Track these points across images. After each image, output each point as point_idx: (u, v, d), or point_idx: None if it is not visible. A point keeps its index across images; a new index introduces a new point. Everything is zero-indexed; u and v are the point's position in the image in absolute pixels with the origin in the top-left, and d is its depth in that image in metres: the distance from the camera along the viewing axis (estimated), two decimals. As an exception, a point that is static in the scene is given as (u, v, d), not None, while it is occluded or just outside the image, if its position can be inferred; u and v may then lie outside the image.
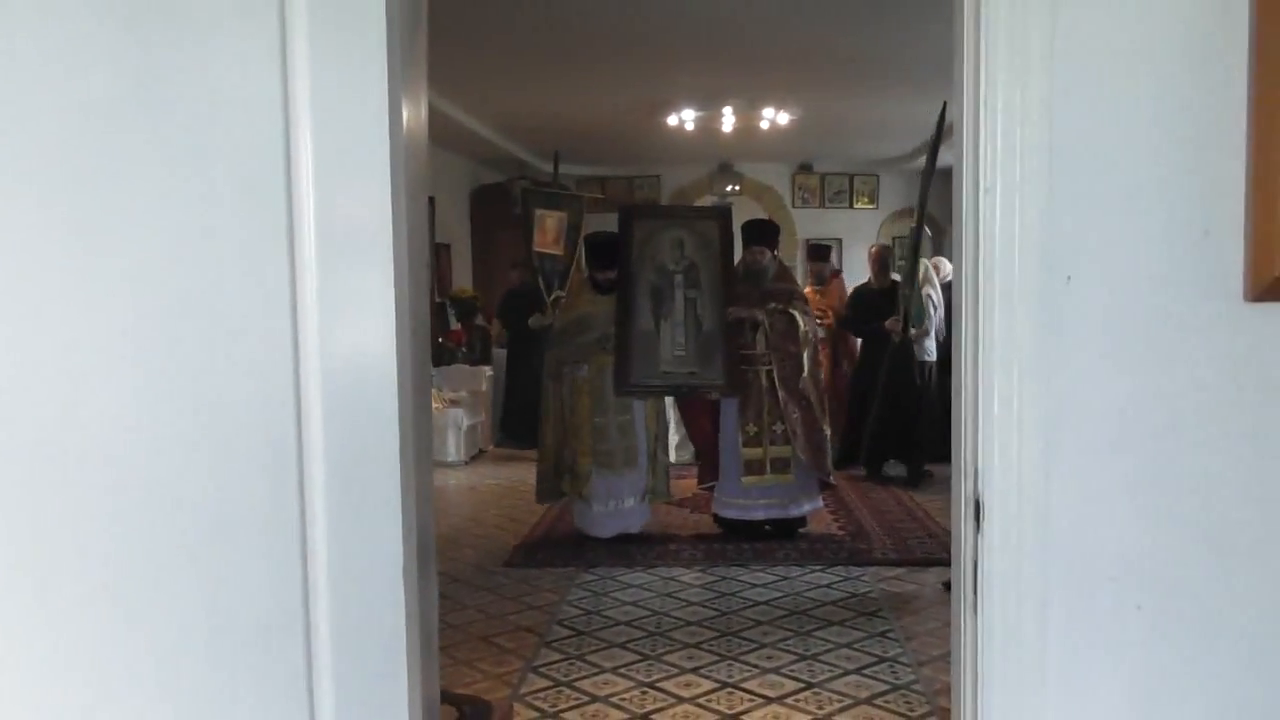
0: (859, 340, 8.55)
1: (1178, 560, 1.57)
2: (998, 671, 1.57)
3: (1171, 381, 1.56)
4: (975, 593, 1.58)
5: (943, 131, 6.41)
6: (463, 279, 11.29)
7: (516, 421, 9.75)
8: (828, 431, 6.22)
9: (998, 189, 1.51)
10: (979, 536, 1.58)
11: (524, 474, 8.56)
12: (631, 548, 5.98)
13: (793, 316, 6.01)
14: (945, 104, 5.69)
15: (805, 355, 5.98)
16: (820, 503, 6.37)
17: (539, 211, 8.51)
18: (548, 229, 8.45)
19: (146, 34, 1.12)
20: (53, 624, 1.10)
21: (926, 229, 11.85)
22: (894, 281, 8.13)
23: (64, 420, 1.10)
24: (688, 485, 7.37)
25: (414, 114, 1.92)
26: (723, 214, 6.48)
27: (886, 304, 7.80)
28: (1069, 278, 1.53)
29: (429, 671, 2.13)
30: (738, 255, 6.28)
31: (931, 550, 5.91)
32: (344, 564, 1.28)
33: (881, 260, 8.49)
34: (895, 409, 7.62)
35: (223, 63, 1.18)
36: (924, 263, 8.90)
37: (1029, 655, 1.56)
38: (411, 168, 1.92)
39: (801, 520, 6.24)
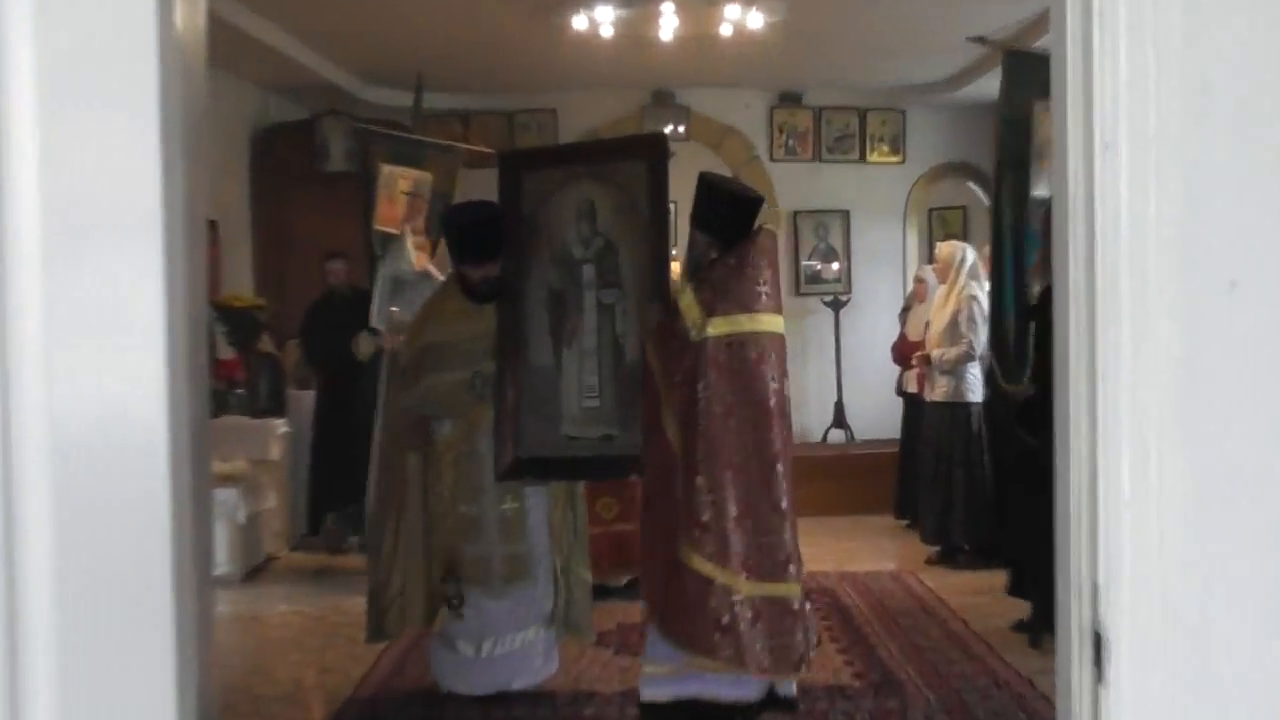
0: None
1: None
2: None
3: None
4: (1098, 782, 1.61)
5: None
6: (239, 278, 11.12)
7: (333, 506, 9.67)
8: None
9: (1122, 146, 1.56)
10: (1101, 688, 1.61)
11: (342, 593, 8.47)
12: (521, 715, 5.94)
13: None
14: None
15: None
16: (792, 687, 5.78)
17: (386, 169, 8.45)
18: (398, 197, 8.39)
19: None
20: None
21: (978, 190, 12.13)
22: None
23: None
24: (610, 609, 7.35)
25: (189, 18, 1.91)
26: (652, 146, 6.14)
27: None
28: (1233, 284, 1.58)
29: None
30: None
31: (1002, 708, 5.97)
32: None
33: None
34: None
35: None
36: (962, 247, 9.21)
37: None
38: (186, 103, 1.92)
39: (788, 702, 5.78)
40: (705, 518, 5.22)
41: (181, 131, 1.70)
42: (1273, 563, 1.60)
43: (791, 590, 5.32)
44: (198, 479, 1.82)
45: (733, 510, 5.24)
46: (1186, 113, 1.56)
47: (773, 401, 5.32)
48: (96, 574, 1.27)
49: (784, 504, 5.30)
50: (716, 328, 5.29)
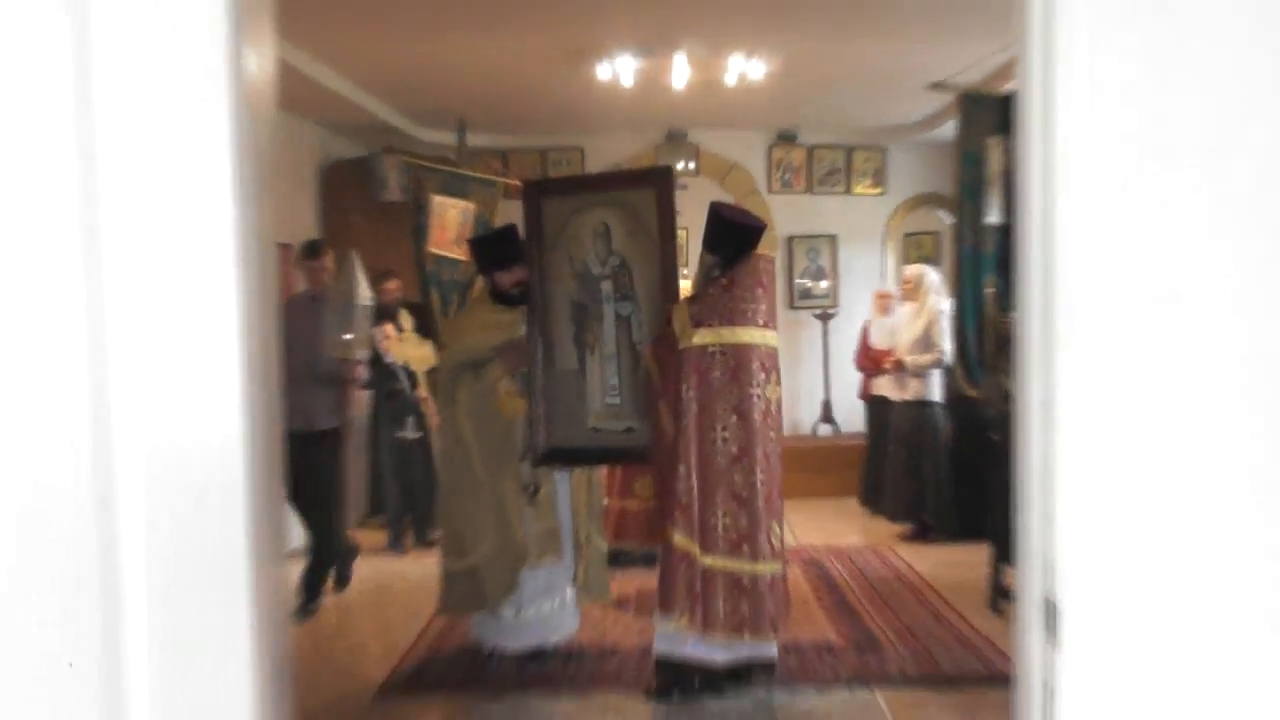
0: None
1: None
2: (1084, 841, 1.58)
3: (1309, 437, 1.59)
4: (1051, 731, 1.59)
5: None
6: (308, 293, 11.17)
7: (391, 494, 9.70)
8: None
9: (1079, 183, 1.54)
10: (1053, 653, 1.59)
11: (400, 567, 8.49)
12: (555, 667, 5.94)
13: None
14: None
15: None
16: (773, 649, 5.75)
17: (438, 199, 8.47)
18: (448, 223, 8.41)
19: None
20: None
21: (946, 217, 12.13)
22: None
23: None
24: (631, 581, 7.36)
25: (259, 69, 1.90)
26: (659, 178, 6.03)
27: None
28: (1177, 299, 1.56)
29: None
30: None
31: (964, 663, 5.96)
32: (176, 706, 1.25)
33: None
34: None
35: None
36: (926, 269, 9.36)
37: (1126, 817, 1.57)
38: (256, 144, 1.90)
39: (767, 664, 5.79)
40: (684, 500, 5.30)
41: (254, 175, 1.69)
42: (1201, 540, 1.58)
43: (747, 568, 5.34)
44: (270, 470, 1.81)
45: (701, 495, 5.33)
46: (1130, 152, 1.54)
47: (746, 404, 5.34)
48: (183, 549, 1.26)
49: (745, 494, 5.33)
50: (701, 338, 5.33)
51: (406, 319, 8.82)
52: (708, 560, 5.31)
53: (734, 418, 5.35)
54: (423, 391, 8.72)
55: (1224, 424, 1.57)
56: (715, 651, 5.46)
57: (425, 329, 8.72)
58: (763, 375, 5.43)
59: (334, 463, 7.46)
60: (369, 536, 9.07)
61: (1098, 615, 1.57)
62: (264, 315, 1.55)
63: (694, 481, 5.33)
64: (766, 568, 5.37)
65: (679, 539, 5.31)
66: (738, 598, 5.32)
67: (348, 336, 7.16)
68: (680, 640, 5.43)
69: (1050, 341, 1.57)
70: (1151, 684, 1.58)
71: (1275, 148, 1.55)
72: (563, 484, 6.03)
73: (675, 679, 5.53)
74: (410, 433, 8.97)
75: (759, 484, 5.36)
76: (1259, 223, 1.55)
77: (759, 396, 5.39)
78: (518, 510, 5.86)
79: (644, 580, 7.16)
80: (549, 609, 6.04)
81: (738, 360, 5.38)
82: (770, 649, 5.63)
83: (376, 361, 8.62)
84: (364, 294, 8.71)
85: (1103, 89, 1.54)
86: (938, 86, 8.48)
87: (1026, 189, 1.62)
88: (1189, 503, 1.57)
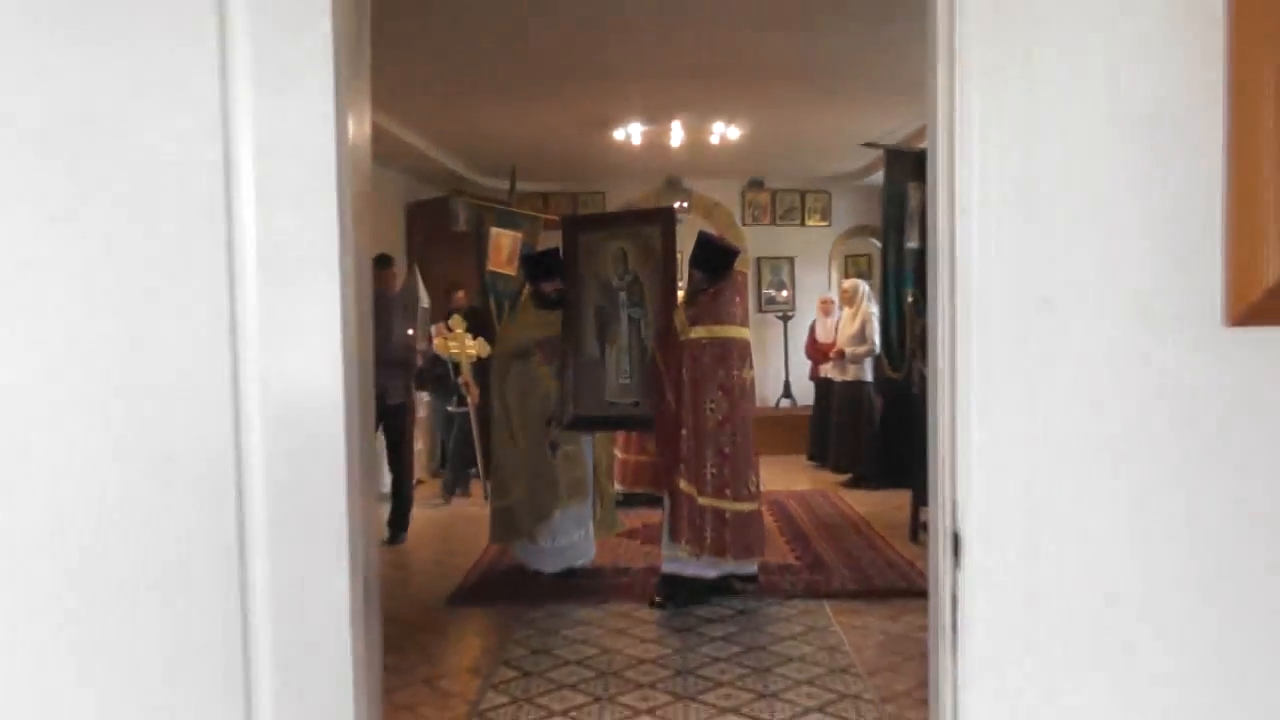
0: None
1: (1164, 597, 1.58)
2: (981, 713, 1.56)
3: (1152, 409, 1.57)
4: (954, 632, 1.58)
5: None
6: (397, 301, 11.19)
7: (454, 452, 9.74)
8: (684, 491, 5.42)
9: (974, 211, 1.52)
10: (958, 573, 1.58)
11: (464, 505, 8.49)
12: (581, 583, 5.94)
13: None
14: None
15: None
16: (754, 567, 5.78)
17: (495, 230, 8.50)
18: (502, 248, 8.44)
19: (80, 46, 1.09)
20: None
21: (875, 242, 12.11)
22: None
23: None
24: (638, 516, 7.36)
25: (358, 129, 1.89)
26: (664, 216, 6.16)
27: None
28: (1047, 302, 1.54)
29: (372, 717, 2.08)
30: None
31: (892, 581, 5.94)
32: (288, 605, 1.25)
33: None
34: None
35: (159, 76, 1.15)
36: (860, 283, 9.45)
37: (1013, 695, 1.56)
38: (355, 185, 1.89)
39: (750, 578, 5.80)
40: (686, 455, 5.36)
41: (352, 207, 1.68)
42: (1075, 492, 1.56)
43: (732, 506, 5.40)
44: (363, 427, 1.80)
45: (696, 451, 5.37)
46: (1016, 188, 1.53)
47: (729, 383, 5.43)
48: (295, 485, 1.26)
49: (729, 450, 5.40)
50: (696, 333, 5.43)
51: (459, 322, 8.81)
52: (703, 500, 5.35)
53: (719, 393, 5.42)
54: (465, 377, 8.70)
55: (1085, 392, 1.56)
56: (706, 569, 5.50)
57: (475, 328, 8.71)
58: (740, 361, 5.52)
59: (404, 428, 7.46)
60: (433, 486, 9.09)
61: (993, 545, 1.56)
62: (359, 309, 1.55)
63: (691, 441, 5.37)
64: (746, 506, 5.45)
65: (683, 484, 5.35)
66: (722, 528, 5.36)
67: (410, 331, 7.23)
68: (685, 562, 5.46)
69: (953, 335, 1.56)
70: (1028, 593, 1.57)
71: (1107, 182, 1.54)
72: (587, 444, 6.06)
73: (677, 591, 5.54)
74: (455, 408, 9.00)
75: (739, 443, 5.43)
76: (1102, 242, 1.55)
77: (738, 377, 5.47)
78: (545, 465, 5.88)
79: (647, 517, 7.16)
80: (577, 538, 6.05)
81: (723, 350, 5.46)
82: (750, 567, 5.71)
83: (433, 354, 8.69)
84: (424, 298, 8.80)
85: (988, 146, 1.53)
86: (869, 145, 8.48)
87: (936, 221, 1.61)
88: (1061, 456, 1.56)
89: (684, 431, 5.37)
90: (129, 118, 1.14)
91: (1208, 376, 1.58)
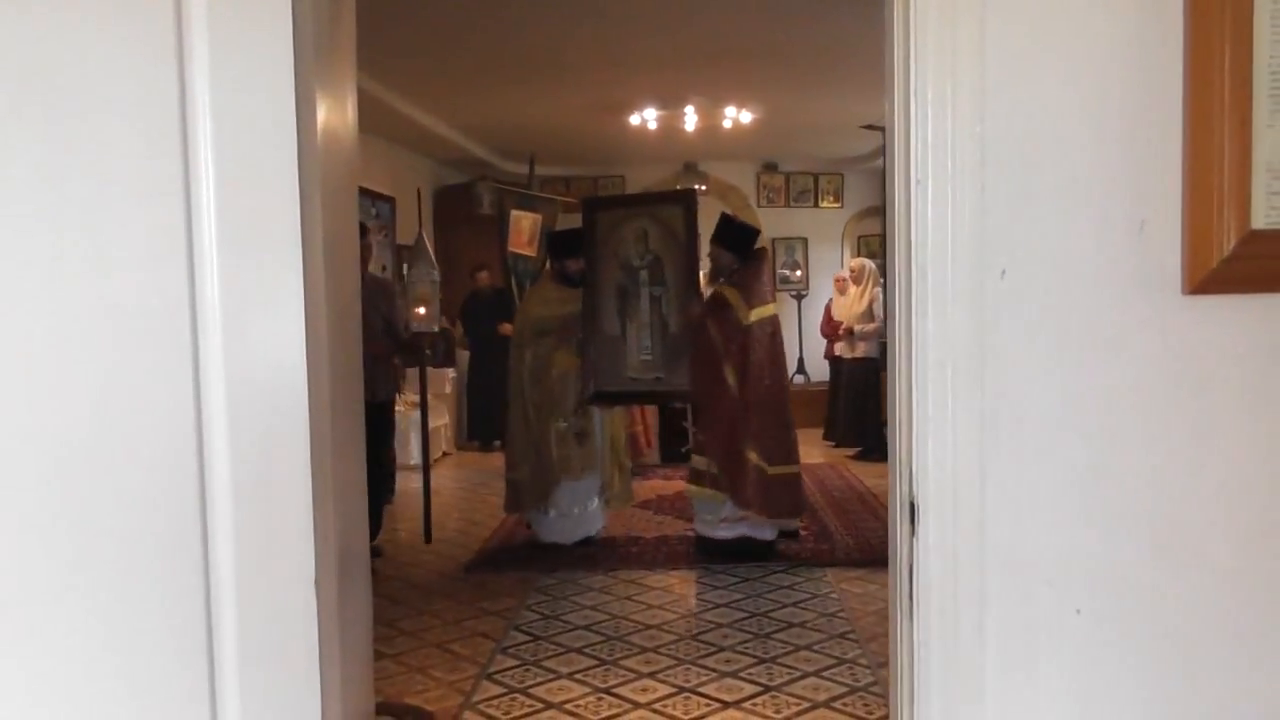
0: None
1: (1117, 561, 1.54)
2: (935, 677, 1.54)
3: (1109, 377, 1.54)
4: (911, 597, 1.55)
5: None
6: (427, 281, 11.21)
7: (481, 424, 9.79)
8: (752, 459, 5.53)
9: (929, 182, 1.49)
10: (914, 539, 1.55)
11: (485, 477, 8.51)
12: (593, 551, 5.94)
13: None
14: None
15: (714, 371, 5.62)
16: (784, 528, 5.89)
17: (515, 212, 8.49)
18: (523, 230, 8.44)
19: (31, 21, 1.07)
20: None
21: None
22: None
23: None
24: (651, 486, 7.35)
25: (335, 108, 1.86)
26: (687, 198, 6.15)
27: None
28: (1003, 272, 1.51)
29: (360, 682, 2.07)
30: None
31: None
32: (251, 578, 1.23)
33: None
34: None
35: (112, 54, 1.13)
36: (868, 262, 9.29)
37: (966, 660, 1.53)
38: (335, 163, 1.87)
39: (794, 533, 6.01)
40: (754, 429, 5.51)
41: (326, 185, 1.67)
42: (1029, 459, 1.53)
43: (792, 470, 5.63)
44: (349, 397, 1.78)
45: (763, 424, 5.53)
46: (972, 159, 1.49)
47: (779, 358, 5.71)
48: (258, 460, 1.24)
49: (787, 418, 5.66)
50: (756, 315, 5.59)
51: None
52: (772, 470, 5.51)
53: (776, 369, 5.68)
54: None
55: (1041, 361, 1.52)
56: (763, 531, 5.72)
57: (498, 306, 8.68)
58: (778, 335, 5.76)
59: (382, 429, 6.94)
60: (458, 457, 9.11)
61: (945, 513, 1.53)
62: (336, 284, 1.53)
63: (755, 418, 5.52)
64: (796, 468, 5.70)
65: (754, 458, 5.49)
66: (786, 491, 5.58)
67: (421, 310, 6.59)
68: (723, 526, 5.67)
69: (909, 305, 1.53)
70: (982, 560, 1.55)
71: (1063, 152, 1.50)
72: (598, 420, 6.04)
73: (715, 552, 5.73)
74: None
75: (787, 412, 5.69)
76: (1058, 212, 1.51)
77: (782, 351, 5.76)
78: (551, 445, 5.88)
79: (660, 488, 7.15)
80: (589, 509, 6.04)
81: (775, 326, 5.75)
82: (795, 523, 5.96)
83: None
84: (433, 269, 7.99)
85: (941, 117, 1.49)
86: (869, 127, 8.40)
87: (892, 193, 1.57)
88: (1018, 424, 1.53)
89: (751, 411, 5.49)
90: (86, 95, 1.12)
91: (1165, 344, 1.54)
